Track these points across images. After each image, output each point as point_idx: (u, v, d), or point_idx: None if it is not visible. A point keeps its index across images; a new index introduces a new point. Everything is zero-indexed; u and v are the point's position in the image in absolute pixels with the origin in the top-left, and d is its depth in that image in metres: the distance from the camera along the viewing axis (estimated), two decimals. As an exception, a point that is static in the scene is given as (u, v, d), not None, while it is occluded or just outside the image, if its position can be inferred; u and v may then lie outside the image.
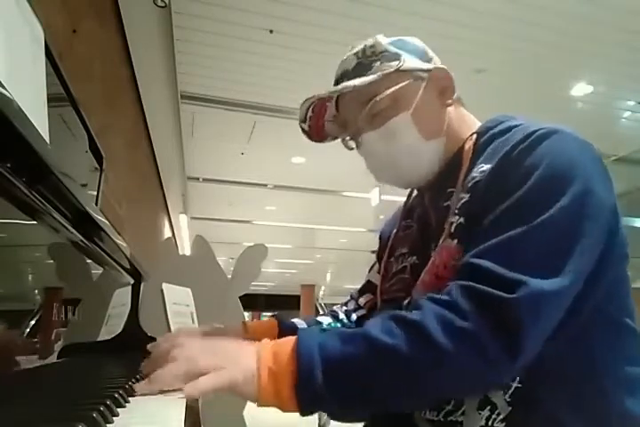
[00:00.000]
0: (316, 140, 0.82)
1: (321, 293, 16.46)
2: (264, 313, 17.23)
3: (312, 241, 8.96)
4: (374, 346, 0.52)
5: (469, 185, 0.64)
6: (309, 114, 0.76)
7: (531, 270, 0.52)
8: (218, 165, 5.09)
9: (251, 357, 0.53)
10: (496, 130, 0.68)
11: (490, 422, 0.57)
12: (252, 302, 14.01)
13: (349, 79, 0.70)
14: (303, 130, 0.80)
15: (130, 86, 2.89)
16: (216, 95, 3.59)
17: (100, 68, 2.06)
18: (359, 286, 0.94)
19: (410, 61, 0.70)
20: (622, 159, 4.59)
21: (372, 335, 0.53)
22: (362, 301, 0.91)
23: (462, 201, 0.64)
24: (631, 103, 3.74)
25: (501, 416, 0.57)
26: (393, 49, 0.71)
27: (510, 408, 0.57)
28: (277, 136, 4.16)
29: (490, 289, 0.51)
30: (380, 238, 0.92)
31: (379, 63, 0.70)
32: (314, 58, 3.06)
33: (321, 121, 0.78)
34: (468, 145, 0.70)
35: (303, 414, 0.53)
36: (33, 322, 0.58)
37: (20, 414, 0.41)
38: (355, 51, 0.73)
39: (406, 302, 0.71)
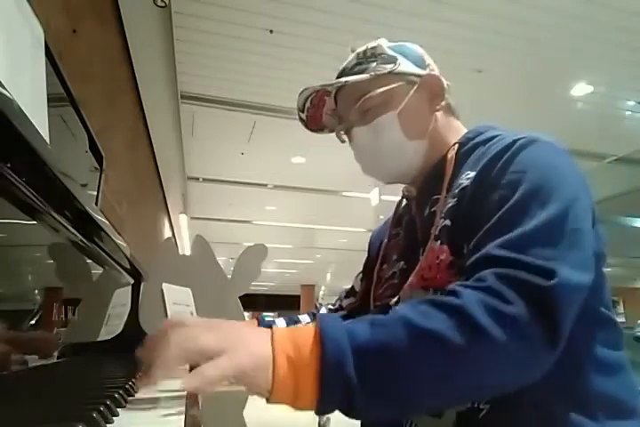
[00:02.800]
0: (312, 130, 0.86)
1: (321, 293, 16.45)
2: (264, 313, 17.22)
3: (312, 241, 8.95)
4: (413, 330, 0.47)
5: (456, 191, 0.67)
6: (307, 105, 0.81)
7: (556, 261, 0.51)
8: (218, 165, 5.08)
9: (263, 341, 0.45)
10: (477, 140, 0.72)
11: (475, 404, 0.59)
12: (252, 302, 14.00)
13: (347, 76, 0.75)
14: (301, 118, 0.84)
15: (130, 86, 2.89)
16: (216, 95, 3.59)
17: (100, 68, 2.06)
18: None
19: (405, 66, 0.75)
20: (622, 159, 4.59)
21: (408, 319, 0.47)
22: (344, 303, 0.95)
23: (449, 205, 0.67)
24: (631, 103, 3.74)
25: (487, 399, 0.58)
26: (391, 52, 0.75)
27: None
28: (277, 136, 4.16)
29: (527, 274, 0.50)
30: (369, 249, 0.96)
31: (375, 64, 0.74)
32: (314, 58, 3.06)
33: (319, 112, 0.82)
34: (451, 154, 0.73)
35: (321, 411, 0.45)
36: (33, 322, 0.58)
37: (20, 414, 0.41)
38: (357, 51, 0.78)
39: (393, 301, 0.72)
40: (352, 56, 0.79)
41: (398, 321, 0.48)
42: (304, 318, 0.94)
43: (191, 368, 0.43)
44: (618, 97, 3.68)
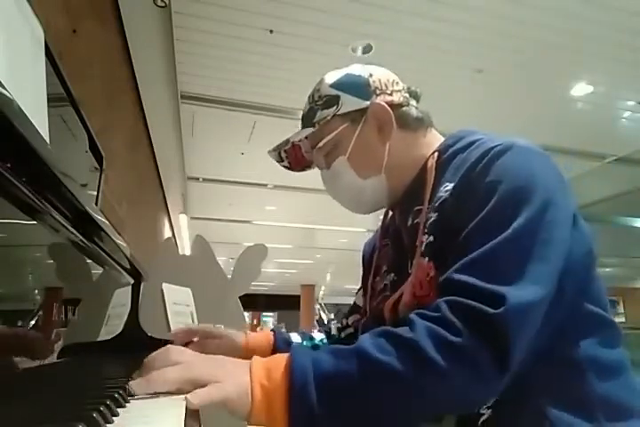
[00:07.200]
0: (299, 170, 0.91)
1: (321, 293, 16.44)
2: (264, 313, 17.20)
3: (312, 241, 8.95)
4: (368, 363, 0.51)
5: (436, 204, 0.67)
6: (283, 155, 0.86)
7: (509, 282, 0.53)
8: (218, 165, 5.08)
9: (244, 372, 0.52)
10: (456, 146, 0.72)
11: (477, 410, 0.60)
12: (252, 302, 13.99)
13: (304, 125, 0.80)
14: (284, 167, 0.89)
15: (130, 86, 2.89)
16: (216, 95, 3.58)
17: (100, 68, 2.06)
18: (356, 290, 1.00)
19: (347, 104, 0.75)
20: (622, 159, 4.58)
21: (364, 352, 0.52)
22: (350, 320, 0.96)
23: (431, 220, 0.67)
24: (631, 103, 3.74)
25: (488, 404, 0.59)
26: (334, 92, 0.76)
27: (496, 396, 0.59)
28: (277, 136, 4.13)
29: (475, 304, 0.52)
30: (363, 262, 0.97)
31: (320, 111, 0.77)
32: (314, 58, 3.05)
33: (299, 154, 0.86)
34: (431, 163, 0.73)
35: None
36: (33, 322, 0.58)
37: (20, 414, 0.41)
38: (309, 94, 0.81)
39: (388, 320, 0.73)
40: (306, 101, 0.81)
41: (357, 353, 0.52)
42: (319, 335, 0.98)
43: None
44: (618, 97, 3.68)
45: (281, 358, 0.54)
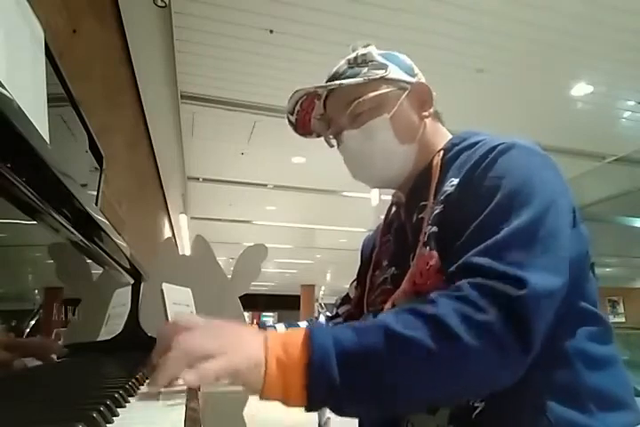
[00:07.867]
0: (300, 134, 0.88)
1: (321, 293, 16.44)
2: (264, 313, 17.20)
3: (312, 241, 8.94)
4: (393, 338, 0.50)
5: (442, 198, 0.69)
6: (297, 108, 0.83)
7: (530, 268, 0.54)
8: (218, 165, 5.08)
9: (257, 345, 0.51)
10: (461, 146, 0.74)
11: (470, 402, 0.61)
12: (252, 302, 13.98)
13: (338, 80, 0.77)
14: (290, 122, 0.87)
15: (130, 86, 2.89)
16: (216, 95, 3.58)
17: (100, 68, 2.06)
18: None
19: (395, 72, 0.77)
20: (622, 159, 4.58)
21: (389, 327, 0.51)
22: (340, 310, 0.97)
23: (435, 212, 0.69)
24: (631, 103, 3.73)
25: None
26: (382, 60, 0.78)
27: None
28: (277, 136, 4.15)
29: (500, 284, 0.52)
30: (362, 256, 0.98)
31: (366, 69, 0.77)
32: (314, 58, 3.05)
33: (308, 116, 0.84)
34: (436, 161, 0.76)
35: (309, 409, 0.50)
36: (33, 322, 0.58)
37: (20, 415, 0.41)
38: (348, 57, 0.80)
39: (387, 307, 0.73)
40: (343, 62, 0.81)
41: (380, 328, 0.51)
42: (303, 324, 0.97)
43: None
44: (618, 97, 3.68)
45: (298, 333, 0.52)
